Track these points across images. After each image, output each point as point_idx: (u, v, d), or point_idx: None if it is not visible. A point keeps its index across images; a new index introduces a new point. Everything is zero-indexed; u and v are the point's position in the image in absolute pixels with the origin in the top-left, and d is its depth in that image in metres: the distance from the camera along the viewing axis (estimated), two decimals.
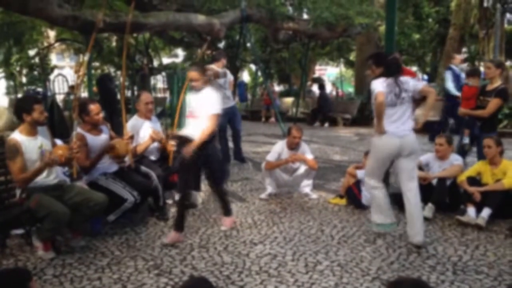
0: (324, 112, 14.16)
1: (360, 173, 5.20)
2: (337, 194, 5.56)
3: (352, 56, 23.55)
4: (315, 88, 19.22)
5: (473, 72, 5.97)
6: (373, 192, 4.23)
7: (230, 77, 7.33)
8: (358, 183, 5.18)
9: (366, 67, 4.46)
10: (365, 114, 13.46)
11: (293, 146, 5.54)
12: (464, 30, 15.66)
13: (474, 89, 5.69)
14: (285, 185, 5.76)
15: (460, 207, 4.83)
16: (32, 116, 3.79)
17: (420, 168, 5.05)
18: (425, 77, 21.31)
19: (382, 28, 15.06)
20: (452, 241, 4.11)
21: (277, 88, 22.96)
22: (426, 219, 4.63)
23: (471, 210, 4.52)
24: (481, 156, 5.64)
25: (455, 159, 5.04)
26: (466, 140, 5.63)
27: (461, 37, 15.82)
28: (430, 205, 4.74)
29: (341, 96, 20.73)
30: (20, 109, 3.83)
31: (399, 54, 6.43)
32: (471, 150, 5.77)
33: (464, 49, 18.20)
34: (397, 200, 5.11)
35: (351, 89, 23.35)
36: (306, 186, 5.65)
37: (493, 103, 5.21)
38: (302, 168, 5.58)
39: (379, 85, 3.92)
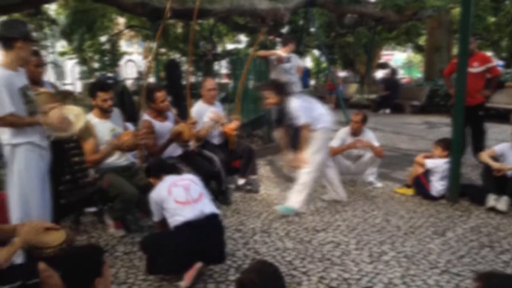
0: (390, 98, 13.68)
1: (429, 163, 4.99)
2: (403, 183, 5.39)
3: (422, 41, 22.52)
4: (380, 74, 18.65)
5: None
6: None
7: (297, 62, 7.21)
8: (427, 172, 4.97)
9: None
10: (434, 101, 12.86)
11: (355, 131, 5.41)
12: None
13: None
14: (348, 172, 5.64)
15: None
16: (96, 102, 3.97)
17: (495, 158, 4.77)
18: (500, 62, 20.00)
19: (455, 11, 14.27)
20: None
21: (342, 74, 22.49)
22: (500, 212, 4.40)
23: None
24: None
25: None
26: None
27: None
28: (505, 197, 4.46)
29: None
30: (89, 93, 4.08)
31: (473, 38, 6.07)
32: None
33: None
34: (468, 191, 4.89)
35: (419, 75, 22.43)
36: (371, 174, 5.51)
37: None
38: (367, 156, 5.44)
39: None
